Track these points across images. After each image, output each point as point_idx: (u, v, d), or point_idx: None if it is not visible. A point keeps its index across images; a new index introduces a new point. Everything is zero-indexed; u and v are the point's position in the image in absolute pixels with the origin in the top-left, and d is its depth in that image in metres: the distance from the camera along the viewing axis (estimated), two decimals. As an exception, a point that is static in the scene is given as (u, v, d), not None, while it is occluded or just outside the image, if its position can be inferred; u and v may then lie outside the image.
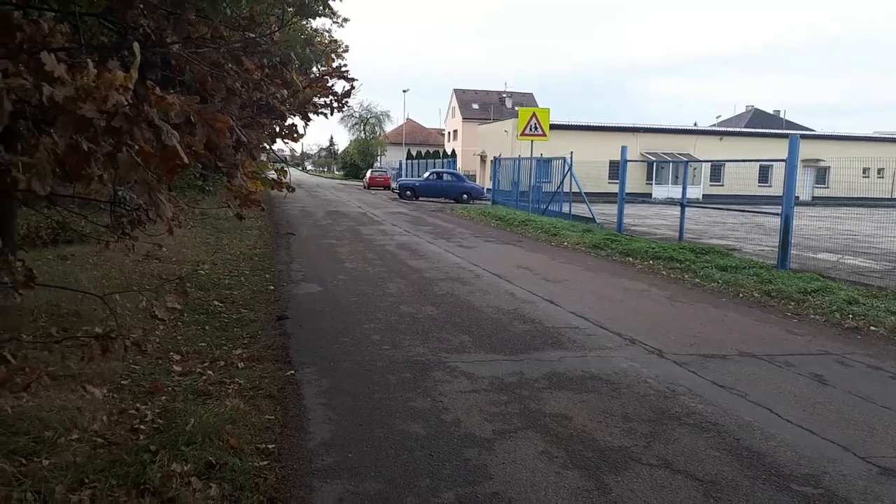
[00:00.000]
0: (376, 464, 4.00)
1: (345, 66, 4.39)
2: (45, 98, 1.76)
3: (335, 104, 4.50)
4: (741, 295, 9.88)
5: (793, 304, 9.12)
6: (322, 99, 4.39)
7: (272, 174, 4.01)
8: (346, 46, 4.47)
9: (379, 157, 70.96)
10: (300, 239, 15.72)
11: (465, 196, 35.12)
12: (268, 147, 3.82)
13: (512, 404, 5.03)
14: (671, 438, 4.49)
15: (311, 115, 4.26)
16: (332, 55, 4.27)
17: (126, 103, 1.85)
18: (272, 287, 9.55)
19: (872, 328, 7.82)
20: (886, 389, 5.69)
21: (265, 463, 3.91)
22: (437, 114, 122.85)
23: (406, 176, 49.40)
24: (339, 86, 4.44)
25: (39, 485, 3.28)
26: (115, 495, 3.29)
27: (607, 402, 5.14)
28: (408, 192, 36.03)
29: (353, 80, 4.18)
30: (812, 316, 8.53)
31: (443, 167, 44.30)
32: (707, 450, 4.32)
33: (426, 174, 40.01)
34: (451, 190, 35.90)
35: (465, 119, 71.08)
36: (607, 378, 5.74)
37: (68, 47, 2.30)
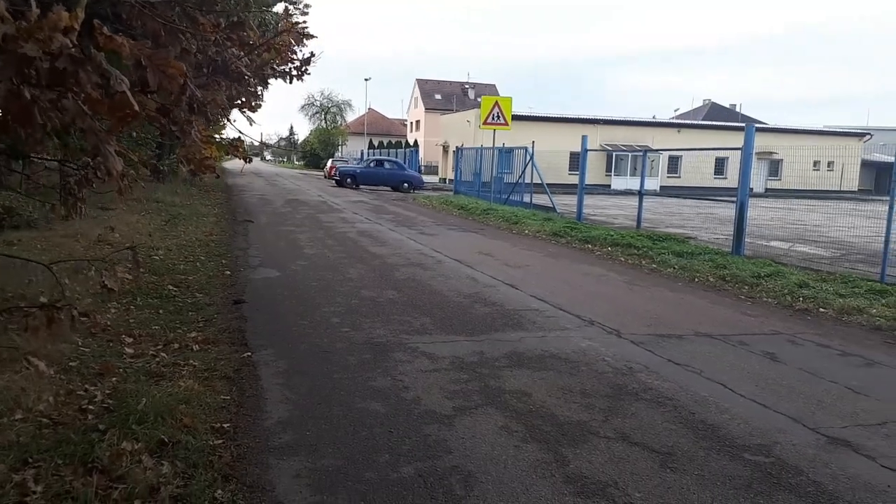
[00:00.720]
0: (335, 441, 3.95)
1: (304, 24, 4.30)
2: (-18, 40, 1.66)
3: (295, 72, 4.39)
4: (696, 280, 10.06)
5: (746, 287, 9.32)
6: (282, 67, 4.28)
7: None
8: (310, 33, 4.31)
9: (340, 147, 70.28)
10: (258, 226, 15.47)
11: (405, 185, 34.91)
12: (224, 111, 3.70)
13: (472, 382, 5.03)
14: (628, 413, 4.54)
15: (269, 80, 4.15)
16: (293, 25, 4.15)
17: (71, 45, 1.75)
18: (228, 272, 9.36)
19: (822, 310, 8.04)
20: (834, 366, 5.86)
21: (220, 441, 3.82)
22: (399, 104, 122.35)
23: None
24: (301, 55, 4.37)
25: (-21, 464, 3.15)
26: (60, 474, 3.17)
27: (566, 380, 5.18)
28: (348, 180, 35.18)
29: (311, 36, 4.09)
30: (765, 299, 8.74)
31: (395, 156, 43.90)
32: (663, 423, 4.38)
33: (366, 161, 39.31)
34: (391, 178, 35.47)
35: (427, 109, 70.90)
36: (566, 357, 5.78)
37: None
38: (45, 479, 3.11)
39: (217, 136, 3.48)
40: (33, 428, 3.61)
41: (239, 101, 3.79)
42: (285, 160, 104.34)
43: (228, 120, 4.16)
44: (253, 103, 3.95)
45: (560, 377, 5.24)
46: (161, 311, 6.77)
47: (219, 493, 3.20)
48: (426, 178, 42.47)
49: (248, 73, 3.66)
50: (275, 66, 4.14)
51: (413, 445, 3.91)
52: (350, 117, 77.29)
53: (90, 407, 4.03)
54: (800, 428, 4.38)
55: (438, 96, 74.50)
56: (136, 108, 1.91)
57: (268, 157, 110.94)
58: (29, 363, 2.73)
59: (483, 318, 7.09)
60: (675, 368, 5.57)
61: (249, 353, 5.61)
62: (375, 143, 60.94)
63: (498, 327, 6.72)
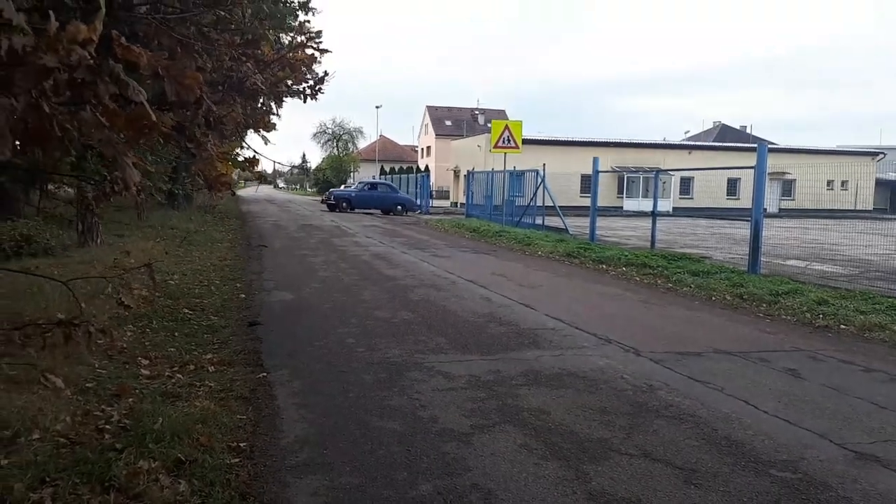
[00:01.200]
0: (352, 459, 3.90)
1: (318, 39, 4.31)
2: (4, 51, 1.68)
3: (309, 91, 4.42)
4: (713, 298, 9.96)
5: (764, 305, 9.21)
6: (297, 86, 4.31)
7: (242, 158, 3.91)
8: (324, 48, 4.31)
9: (352, 174, 70.77)
10: (272, 251, 15.52)
11: (399, 207, 35.17)
12: (240, 128, 3.72)
13: (489, 401, 4.97)
14: (650, 430, 4.46)
15: (284, 98, 4.18)
16: (307, 41, 4.19)
17: (90, 56, 1.77)
18: (243, 295, 9.38)
19: (843, 326, 7.92)
20: (859, 382, 5.74)
21: (237, 460, 3.79)
22: (410, 130, 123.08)
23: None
24: (315, 76, 4.40)
25: (-2, 482, 3.13)
26: (78, 493, 3.15)
27: (585, 398, 5.11)
28: (343, 204, 35.22)
29: (326, 51, 4.11)
30: (783, 316, 8.62)
31: (406, 182, 43.95)
32: (686, 440, 4.30)
33: (359, 185, 39.07)
34: (384, 201, 35.67)
35: (438, 135, 71.37)
36: (584, 375, 5.71)
37: (29, 7, 2.21)
38: (63, 497, 3.08)
39: (233, 153, 3.50)
40: (51, 447, 3.59)
41: (253, 120, 3.81)
42: (298, 187, 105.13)
43: (243, 139, 4.18)
44: (267, 121, 3.97)
45: (579, 395, 5.17)
46: (177, 334, 6.77)
47: (236, 512, 3.16)
48: (437, 203, 42.72)
49: (264, 89, 3.68)
50: (289, 84, 4.18)
51: (431, 463, 3.86)
52: (361, 144, 77.98)
53: (107, 427, 4.02)
54: (826, 443, 4.28)
55: (448, 122, 75.02)
56: (154, 118, 1.92)
57: (280, 185, 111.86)
58: (46, 380, 2.72)
59: (498, 337, 7.04)
60: (695, 385, 5.49)
61: (265, 374, 5.58)
62: (387, 168, 61.32)
63: (513, 346, 6.66)
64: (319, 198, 49.02)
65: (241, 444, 4.02)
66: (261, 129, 3.90)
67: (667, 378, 5.68)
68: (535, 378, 5.57)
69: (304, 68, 4.13)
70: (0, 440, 3.56)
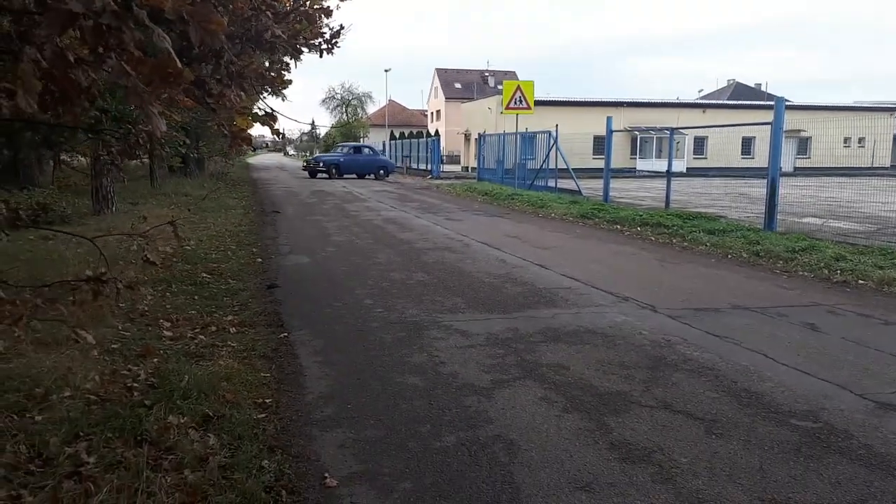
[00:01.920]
0: (376, 413, 3.96)
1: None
2: (29, -4, 1.68)
3: (325, 45, 4.39)
4: (730, 256, 9.92)
5: (781, 262, 9.16)
6: (313, 41, 4.26)
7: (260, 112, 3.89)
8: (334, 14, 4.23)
9: (362, 139, 70.43)
10: (286, 216, 15.57)
11: (381, 171, 34.93)
12: (262, 80, 3.69)
13: (508, 357, 5.01)
14: (669, 383, 4.50)
15: (302, 51, 4.14)
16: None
17: (114, 2, 1.76)
18: (260, 260, 9.44)
19: (861, 282, 7.88)
20: (878, 334, 5.74)
21: (263, 415, 3.85)
22: (419, 94, 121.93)
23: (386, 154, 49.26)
24: (331, 29, 4.36)
25: (33, 438, 3.22)
26: (111, 446, 3.22)
27: (603, 353, 5.14)
28: (333, 170, 34.08)
29: None
30: (801, 273, 8.58)
31: (417, 147, 43.13)
32: (705, 392, 4.33)
33: (342, 150, 37.12)
34: (370, 165, 35.26)
35: (447, 99, 70.65)
36: (602, 331, 5.73)
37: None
38: (97, 450, 3.16)
39: (252, 109, 3.48)
40: (82, 404, 3.67)
41: (272, 75, 3.78)
42: (308, 154, 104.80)
43: (260, 95, 4.14)
44: (283, 78, 3.94)
45: (597, 350, 5.20)
46: (196, 297, 6.85)
47: (265, 463, 3.23)
48: (448, 168, 42.41)
49: (284, 41, 3.64)
50: (306, 37, 4.13)
51: (454, 416, 3.91)
52: (371, 109, 77.33)
53: (135, 385, 4.09)
54: (847, 394, 4.30)
55: (458, 85, 74.18)
56: (180, 65, 1.91)
57: (291, 152, 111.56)
58: (77, 335, 2.77)
59: (515, 296, 7.06)
60: (713, 340, 5.50)
61: (286, 334, 5.65)
62: (397, 133, 60.93)
63: (531, 305, 6.69)
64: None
65: (267, 401, 4.09)
66: (277, 86, 3.86)
67: (685, 333, 5.69)
68: (553, 335, 5.60)
69: (319, 21, 4.08)
70: (33, 398, 3.64)
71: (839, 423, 3.83)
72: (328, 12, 4.14)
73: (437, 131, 57.11)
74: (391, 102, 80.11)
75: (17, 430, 3.25)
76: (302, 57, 4.24)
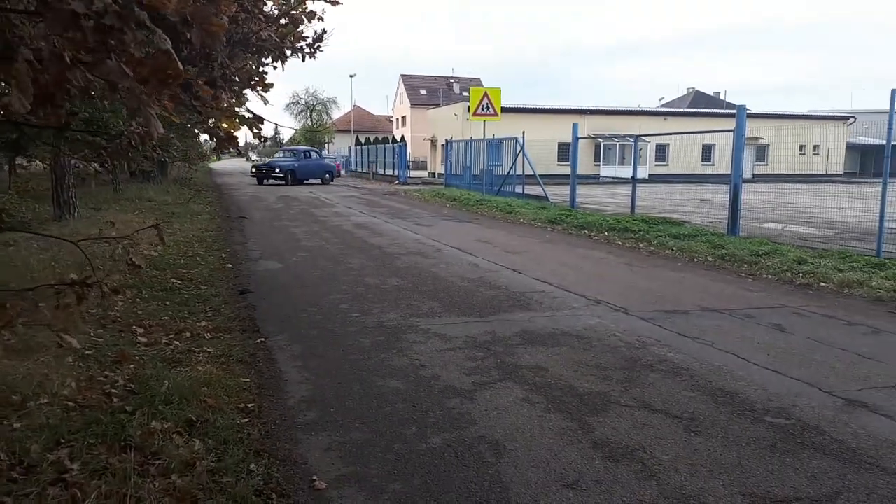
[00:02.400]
0: (360, 417, 3.97)
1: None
2: (31, -4, 1.66)
3: (308, 49, 4.39)
4: (696, 259, 10.14)
5: (746, 265, 9.41)
6: (297, 44, 4.27)
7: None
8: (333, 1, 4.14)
9: (327, 145, 70.01)
10: (253, 222, 15.41)
11: (327, 175, 35.10)
12: (253, 82, 3.68)
13: (488, 359, 5.06)
14: (646, 383, 4.59)
15: (288, 54, 4.13)
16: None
17: (115, 2, 1.75)
18: (230, 265, 9.34)
19: (822, 284, 8.14)
20: (841, 334, 5.94)
21: (246, 420, 3.83)
22: (384, 100, 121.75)
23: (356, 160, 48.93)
24: (314, 33, 4.36)
25: (13, 445, 3.15)
26: (94, 452, 3.17)
27: (580, 355, 5.22)
28: (289, 175, 32.27)
29: (336, 2, 4.03)
30: (765, 275, 8.83)
31: (384, 153, 42.53)
32: (682, 391, 4.43)
33: (291, 155, 34.95)
34: (320, 169, 35.00)
35: (413, 105, 70.73)
36: (577, 334, 5.82)
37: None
38: (81, 457, 3.11)
39: (238, 109, 3.45)
40: (61, 411, 3.60)
41: (255, 80, 3.77)
42: (260, 160, 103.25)
43: (249, 92, 4.12)
44: (266, 81, 3.93)
45: (574, 352, 5.28)
46: (168, 303, 6.75)
47: (252, 467, 3.21)
48: (415, 174, 42.42)
49: (274, 44, 3.63)
50: (291, 41, 4.13)
51: (438, 418, 3.94)
52: (336, 114, 77.00)
53: (113, 391, 4.03)
54: (816, 392, 4.44)
55: (423, 91, 74.33)
56: (180, 67, 1.91)
57: (254, 157, 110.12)
58: (62, 339, 2.73)
59: (490, 300, 7.12)
60: (686, 341, 5.63)
61: (262, 339, 5.61)
62: (362, 139, 60.71)
63: (506, 308, 6.75)
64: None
65: (249, 405, 4.06)
66: (258, 89, 3.84)
67: (658, 335, 5.81)
68: (530, 338, 5.67)
69: (303, 25, 4.08)
70: (10, 405, 3.56)
71: (811, 420, 3.97)
72: (314, 16, 4.15)
73: (402, 137, 57.08)
74: (356, 108, 79.81)
75: (-4, 438, 3.18)
76: (288, 60, 4.25)
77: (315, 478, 3.19)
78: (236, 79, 3.24)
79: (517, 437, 3.69)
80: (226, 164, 64.88)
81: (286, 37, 3.95)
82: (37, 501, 2.69)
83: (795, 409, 4.14)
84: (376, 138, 60.66)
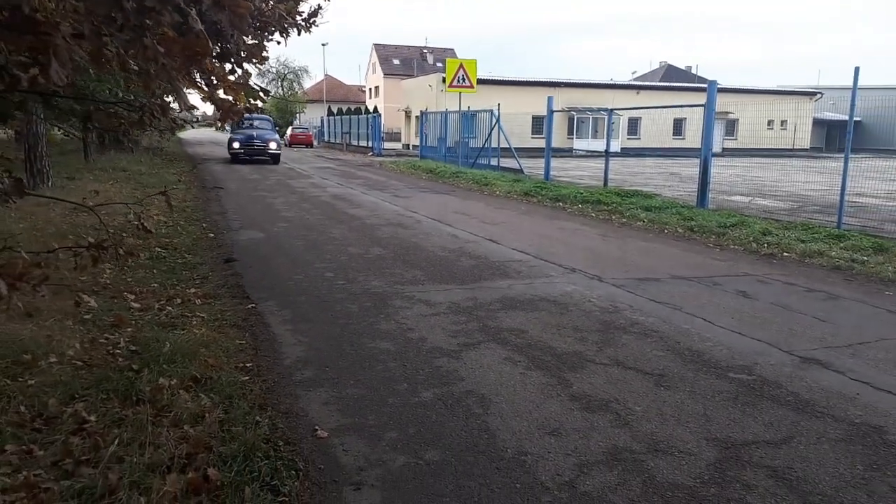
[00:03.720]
0: (354, 375, 4.22)
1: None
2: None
3: (303, 23, 4.53)
4: (666, 231, 10.51)
5: (714, 236, 9.80)
6: (295, 18, 4.41)
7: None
8: None
9: (298, 115, 69.24)
10: (230, 192, 15.43)
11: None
12: (248, 59, 3.82)
13: (471, 323, 5.33)
14: (619, 343, 4.91)
15: (289, 29, 4.26)
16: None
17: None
18: (212, 235, 9.46)
19: (785, 254, 8.55)
20: (801, 300, 6.32)
21: (247, 378, 4.05)
22: (356, 70, 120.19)
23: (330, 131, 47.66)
24: (309, 8, 4.50)
25: (31, 399, 3.34)
26: (108, 406, 3.38)
27: (558, 318, 5.52)
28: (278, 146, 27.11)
29: None
30: (732, 246, 9.22)
31: (358, 124, 41.01)
32: (652, 351, 4.76)
33: (255, 124, 27.81)
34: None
35: (386, 75, 70.12)
36: (555, 299, 6.12)
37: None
38: (96, 409, 3.31)
39: (245, 81, 3.57)
40: (71, 369, 3.79)
41: (259, 54, 3.90)
42: (224, 128, 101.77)
43: (248, 68, 4.25)
44: (260, 54, 4.06)
45: (552, 316, 5.58)
46: (155, 271, 6.89)
47: (258, 419, 3.44)
48: (388, 145, 42.21)
49: (278, 19, 3.76)
50: (293, 16, 4.26)
51: (427, 375, 4.21)
52: (307, 84, 76.00)
53: (117, 351, 4.22)
54: (776, 351, 4.80)
55: (397, 61, 73.66)
56: (210, 46, 2.09)
57: (226, 128, 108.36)
58: (80, 299, 2.91)
59: (470, 269, 7.38)
60: (656, 306, 5.96)
61: (253, 305, 5.81)
62: (334, 109, 60.18)
63: (486, 277, 7.02)
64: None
65: (248, 365, 4.28)
66: (254, 61, 3.97)
67: (630, 301, 6.14)
68: (510, 303, 5.95)
69: (303, 0, 4.23)
70: (22, 363, 3.73)
71: (770, 376, 4.31)
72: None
73: (376, 108, 56.72)
74: (328, 77, 78.87)
75: (15, 393, 3.36)
76: (290, 35, 4.39)
77: (317, 427, 3.45)
78: (243, 53, 3.38)
79: (501, 391, 3.98)
80: (195, 133, 64.01)
81: (290, 12, 4.07)
82: (62, 448, 2.90)
83: (757, 366, 4.49)
84: (349, 109, 60.17)
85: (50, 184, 13.47)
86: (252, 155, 25.68)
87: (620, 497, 2.87)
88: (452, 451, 3.24)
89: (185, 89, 2.14)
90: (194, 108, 2.18)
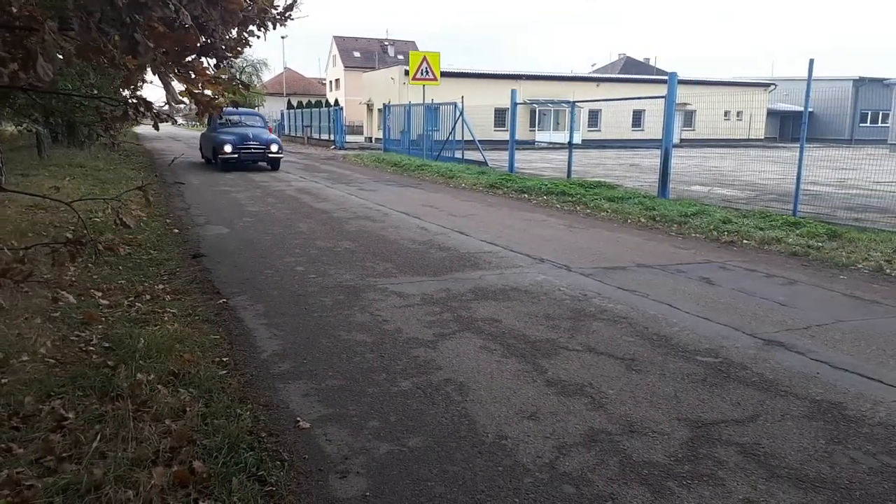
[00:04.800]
0: (332, 366, 4.25)
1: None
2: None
3: (279, 17, 4.51)
4: (629, 221, 10.72)
5: (676, 225, 10.03)
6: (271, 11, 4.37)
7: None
8: None
9: (258, 108, 68.22)
10: (192, 187, 15.19)
11: None
12: (227, 54, 3.79)
13: (445, 313, 5.40)
14: (590, 330, 5.03)
15: (268, 24, 4.23)
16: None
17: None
18: (177, 230, 9.34)
19: (745, 241, 8.81)
20: (762, 285, 6.54)
21: (224, 372, 4.05)
22: (316, 63, 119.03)
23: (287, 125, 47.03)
24: (280, 1, 4.46)
25: (7, 398, 3.29)
26: (87, 402, 3.35)
27: (529, 307, 5.62)
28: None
29: None
30: (693, 235, 9.46)
31: (318, 117, 40.34)
32: (622, 337, 4.89)
33: (243, 121, 22.19)
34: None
35: (347, 67, 69.58)
36: (526, 289, 6.22)
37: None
38: (74, 407, 3.28)
39: (225, 75, 3.55)
40: (44, 367, 3.74)
41: (237, 48, 3.87)
42: (198, 124, 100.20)
43: (230, 62, 4.20)
44: (239, 48, 4.03)
45: (524, 305, 5.68)
46: (121, 268, 6.79)
47: (239, 411, 3.45)
48: (351, 138, 41.90)
49: (257, 12, 3.74)
50: (270, 10, 4.23)
51: (405, 365, 4.26)
52: (266, 77, 74.88)
53: (90, 348, 4.17)
54: (740, 335, 4.97)
55: (357, 54, 73.12)
56: (199, 40, 2.09)
57: (180, 122, 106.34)
58: (58, 296, 2.88)
59: (441, 261, 7.44)
60: (624, 294, 6.11)
61: (225, 300, 5.77)
62: (294, 102, 59.50)
63: (457, 268, 7.09)
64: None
65: (224, 359, 4.27)
66: (229, 55, 3.92)
67: (598, 289, 6.27)
68: (482, 293, 6.04)
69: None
70: (-7, 362, 3.67)
71: (736, 358, 4.48)
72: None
73: (337, 101, 56.22)
74: (288, 70, 77.91)
75: (-12, 392, 3.31)
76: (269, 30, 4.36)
77: (299, 418, 3.47)
78: (223, 47, 3.37)
79: (479, 378, 4.05)
80: (150, 128, 62.41)
81: (269, 6, 4.05)
82: (43, 445, 2.87)
83: (722, 349, 4.65)
84: (309, 102, 59.53)
85: (3, 180, 13.09)
86: (249, 161, 19.99)
87: (599, 476, 2.97)
88: (434, 438, 3.30)
89: (173, 83, 2.14)
90: (183, 102, 2.18)
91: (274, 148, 20.13)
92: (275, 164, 20.50)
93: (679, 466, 3.06)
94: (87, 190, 13.25)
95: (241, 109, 24.12)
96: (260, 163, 20.31)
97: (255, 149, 19.84)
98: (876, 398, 3.85)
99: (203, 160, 22.31)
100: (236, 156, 19.53)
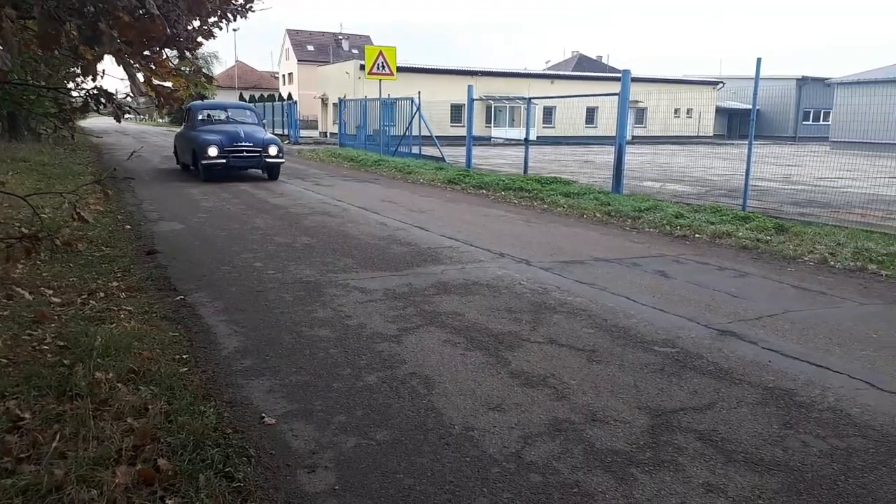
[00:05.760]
0: (295, 362, 4.22)
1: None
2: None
3: (240, 9, 4.43)
4: (585, 216, 10.89)
5: (630, 220, 10.24)
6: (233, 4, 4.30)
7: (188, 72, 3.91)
8: None
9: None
10: (143, 182, 14.82)
11: None
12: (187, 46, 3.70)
13: (408, 308, 5.41)
14: (551, 323, 5.11)
15: (229, 15, 4.16)
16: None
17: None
18: (129, 227, 9.11)
19: (697, 235, 9.05)
20: (714, 278, 6.74)
21: (185, 369, 3.98)
22: (269, 56, 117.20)
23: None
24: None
25: (-44, 400, 3.18)
26: (43, 402, 3.26)
27: (491, 301, 5.68)
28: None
29: None
30: (647, 229, 9.67)
31: (272, 112, 39.96)
32: (582, 329, 4.98)
33: (230, 116, 17.65)
34: None
35: (300, 61, 68.77)
36: (487, 283, 6.28)
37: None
38: (30, 407, 3.19)
39: (185, 67, 3.47)
40: (-5, 367, 3.62)
41: (198, 40, 3.80)
42: (147, 118, 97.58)
43: (194, 55, 4.10)
44: (202, 39, 3.96)
45: (485, 299, 5.73)
46: (72, 265, 6.60)
47: (203, 408, 3.41)
48: (305, 133, 41.44)
49: (220, 4, 3.67)
50: (234, 2, 4.16)
51: (370, 360, 4.26)
52: (217, 70, 73.43)
53: (44, 347, 4.05)
54: (695, 325, 5.12)
55: (311, 48, 72.31)
56: (166, 30, 2.05)
57: (128, 116, 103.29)
58: (14, 292, 2.79)
59: (402, 256, 7.45)
60: (582, 287, 6.22)
61: (182, 297, 5.67)
62: (246, 96, 58.52)
63: (419, 263, 7.10)
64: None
65: (184, 356, 4.21)
66: (192, 47, 3.83)
67: (557, 282, 6.37)
68: (444, 288, 6.07)
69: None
70: (-59, 363, 3.53)
71: (692, 348, 4.61)
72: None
73: (290, 95, 55.53)
74: (239, 63, 76.56)
75: (-63, 394, 3.19)
76: (232, 21, 4.28)
77: (264, 415, 3.45)
78: (186, 39, 3.31)
79: (444, 371, 4.08)
80: (97, 122, 60.54)
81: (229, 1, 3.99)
82: (1, 447, 2.79)
83: (679, 339, 4.79)
84: (261, 95, 58.68)
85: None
86: (240, 167, 15.54)
87: (564, 465, 3.03)
88: (401, 431, 3.32)
89: (138, 74, 2.10)
90: (148, 94, 2.13)
91: (272, 151, 15.54)
92: (273, 172, 15.93)
93: (641, 453, 3.14)
94: (33, 185, 12.79)
95: (228, 102, 20.21)
96: (254, 170, 15.97)
97: (247, 152, 15.39)
98: (824, 385, 4.02)
99: (179, 166, 18.22)
100: (224, 161, 15.10)
